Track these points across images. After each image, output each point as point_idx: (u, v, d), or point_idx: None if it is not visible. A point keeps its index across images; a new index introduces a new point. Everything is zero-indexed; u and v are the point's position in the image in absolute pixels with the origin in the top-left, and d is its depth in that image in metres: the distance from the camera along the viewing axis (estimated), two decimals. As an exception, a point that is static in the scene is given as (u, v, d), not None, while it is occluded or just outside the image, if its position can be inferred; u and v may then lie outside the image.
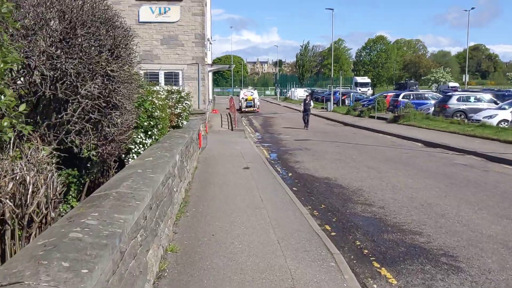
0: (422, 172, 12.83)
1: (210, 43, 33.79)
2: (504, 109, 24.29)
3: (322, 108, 43.84)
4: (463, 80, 61.36)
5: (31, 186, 3.66)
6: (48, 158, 4.35)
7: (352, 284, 5.25)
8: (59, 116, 4.80)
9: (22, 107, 3.98)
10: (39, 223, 3.78)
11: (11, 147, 4.10)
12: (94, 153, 5.28)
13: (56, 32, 4.41)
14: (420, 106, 32.20)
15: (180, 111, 12.52)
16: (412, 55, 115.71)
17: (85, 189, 5.70)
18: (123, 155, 7.59)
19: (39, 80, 4.48)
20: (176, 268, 5.46)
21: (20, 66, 4.45)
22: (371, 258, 6.37)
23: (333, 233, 7.49)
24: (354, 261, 6.29)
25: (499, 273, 5.80)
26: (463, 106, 28.35)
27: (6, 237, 3.54)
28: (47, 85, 4.52)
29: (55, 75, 4.55)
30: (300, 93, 69.03)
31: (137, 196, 4.12)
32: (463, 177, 12.11)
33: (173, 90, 13.16)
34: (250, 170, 12.75)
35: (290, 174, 12.96)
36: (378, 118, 31.79)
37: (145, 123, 7.65)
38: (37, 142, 4.53)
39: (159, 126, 8.37)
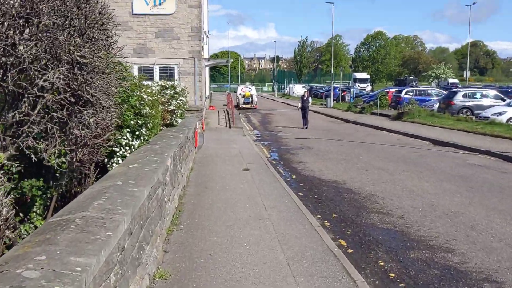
0: (437, 174, 11.81)
1: (207, 37, 32.68)
2: (513, 106, 23.27)
3: (322, 104, 42.79)
4: (464, 76, 60.44)
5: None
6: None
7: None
8: (16, 114, 3.75)
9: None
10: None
11: None
12: (64, 160, 4.24)
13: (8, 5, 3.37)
14: (424, 102, 31.18)
15: (174, 108, 11.45)
16: (411, 51, 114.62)
17: (52, 204, 4.66)
18: (106, 159, 6.53)
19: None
20: (166, 302, 4.42)
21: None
22: (400, 285, 5.33)
23: (350, 250, 6.45)
24: (380, 288, 5.26)
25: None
26: (469, 102, 27.34)
27: None
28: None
29: (8, 62, 3.50)
30: (299, 89, 67.96)
31: (109, 224, 3.07)
32: (482, 180, 11.09)
33: (167, 85, 12.09)
34: (251, 172, 11.71)
35: (294, 177, 11.91)
36: (381, 114, 30.77)
37: (132, 122, 6.59)
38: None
39: (148, 125, 7.31)
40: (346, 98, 44.96)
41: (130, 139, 6.74)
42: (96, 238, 2.77)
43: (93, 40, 4.11)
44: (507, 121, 21.96)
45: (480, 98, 27.65)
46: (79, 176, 5.24)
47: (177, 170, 8.04)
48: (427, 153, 15.74)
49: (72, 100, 3.87)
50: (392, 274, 5.61)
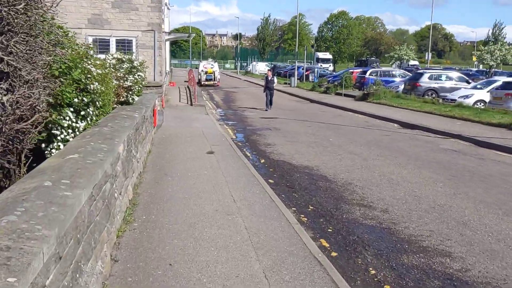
0: (413, 160, 11.13)
1: (168, 9, 31.01)
2: (480, 89, 23.04)
3: (285, 83, 41.86)
4: (425, 58, 60.82)
5: None
6: None
7: None
8: None
9: None
10: None
11: None
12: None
13: None
14: (388, 84, 30.77)
15: (131, 84, 10.17)
16: (373, 33, 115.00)
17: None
18: (44, 144, 5.35)
19: None
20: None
21: None
22: (400, 302, 4.50)
23: (334, 254, 5.56)
24: (374, 304, 4.41)
25: None
26: (434, 84, 27.10)
27: None
28: None
29: None
30: (262, 67, 66.92)
31: (16, 261, 2.01)
32: (461, 167, 10.49)
33: (123, 58, 10.77)
34: (216, 156, 10.68)
35: (262, 161, 10.96)
36: (346, 95, 30.20)
37: (75, 100, 5.41)
38: None
39: (97, 103, 6.14)
40: (310, 77, 44.23)
41: (74, 120, 5.55)
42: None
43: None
44: (474, 104, 21.72)
45: (445, 80, 27.43)
46: (3, 169, 4.07)
47: (131, 156, 6.92)
48: (398, 136, 15.12)
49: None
50: (388, 286, 4.76)
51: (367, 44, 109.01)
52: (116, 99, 9.53)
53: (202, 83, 38.46)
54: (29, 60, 3.26)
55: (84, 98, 5.63)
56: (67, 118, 5.50)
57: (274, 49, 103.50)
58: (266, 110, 21.80)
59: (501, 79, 24.06)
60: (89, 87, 5.73)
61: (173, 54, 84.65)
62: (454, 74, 29.26)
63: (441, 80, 27.52)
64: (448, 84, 26.78)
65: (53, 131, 5.39)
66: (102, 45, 20.28)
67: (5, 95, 3.01)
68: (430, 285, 4.77)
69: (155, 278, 4.34)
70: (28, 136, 3.91)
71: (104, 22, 20.75)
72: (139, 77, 10.62)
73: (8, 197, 2.87)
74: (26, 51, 3.18)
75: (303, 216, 6.93)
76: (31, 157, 4.81)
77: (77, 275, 3.10)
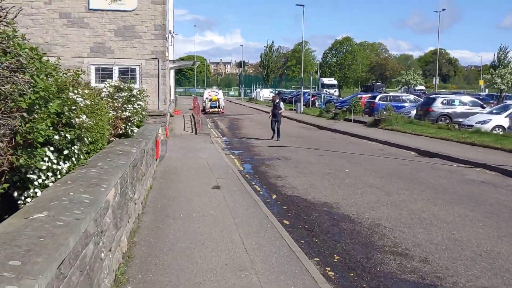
0: (441, 194, 10.08)
1: (172, 37, 30.41)
2: (498, 113, 22.05)
3: (291, 109, 41.04)
4: (432, 83, 60.11)
5: None
6: None
7: None
8: None
9: None
10: None
11: None
12: None
13: None
14: (399, 109, 29.88)
15: (129, 114, 9.26)
16: (378, 58, 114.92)
17: None
18: (16, 193, 4.37)
19: None
20: None
21: None
22: None
23: (374, 323, 4.50)
24: None
25: None
26: (448, 109, 26.17)
27: None
28: None
29: None
30: (266, 93, 66.36)
31: None
32: (495, 202, 9.42)
33: (121, 86, 9.89)
34: (222, 191, 9.67)
35: (274, 197, 9.92)
36: (355, 121, 29.29)
37: (56, 137, 4.46)
38: None
39: (85, 139, 5.19)
40: (317, 103, 43.47)
41: (55, 161, 4.59)
42: None
43: None
44: (492, 129, 20.71)
45: (458, 105, 26.51)
46: None
47: (127, 199, 5.91)
48: (418, 165, 14.07)
49: None
50: None
51: (372, 69, 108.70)
52: (113, 132, 8.60)
53: (207, 110, 37.73)
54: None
55: (67, 135, 4.67)
56: (46, 159, 4.53)
57: (278, 76, 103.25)
58: (274, 139, 20.11)
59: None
60: (73, 121, 4.77)
61: (178, 83, 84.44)
62: (467, 99, 28.37)
63: (454, 105, 26.60)
64: (461, 109, 25.87)
65: (28, 175, 4.42)
66: (105, 73, 19.54)
67: None
68: None
69: None
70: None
71: (107, 51, 20.09)
72: (139, 106, 9.71)
73: None
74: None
75: (329, 269, 5.85)
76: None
77: None
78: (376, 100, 32.24)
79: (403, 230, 7.38)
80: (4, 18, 2.97)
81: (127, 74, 19.86)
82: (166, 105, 21.18)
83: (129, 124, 9.23)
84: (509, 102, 30.18)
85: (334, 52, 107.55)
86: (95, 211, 3.60)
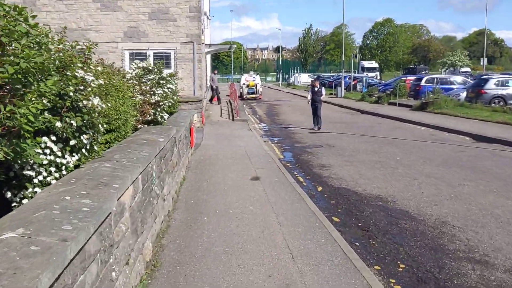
0: (511, 185, 8.80)
1: (208, 19, 29.52)
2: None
3: (331, 94, 39.58)
4: (480, 64, 57.05)
5: None
6: None
7: None
8: None
9: None
10: None
11: None
12: None
13: None
14: (447, 92, 28.00)
15: (159, 98, 8.41)
16: (421, 40, 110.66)
17: None
18: (10, 193, 3.54)
19: None
20: None
21: None
22: None
23: None
24: None
25: None
26: (501, 91, 24.21)
27: None
28: None
29: None
30: (304, 78, 64.89)
31: None
32: None
33: (150, 68, 9.05)
34: (262, 183, 8.73)
35: (320, 189, 8.89)
36: (400, 104, 27.67)
37: (58, 124, 3.60)
38: None
39: (100, 126, 4.33)
40: (358, 87, 41.79)
41: (59, 153, 3.74)
42: None
43: None
44: (555, 112, 18.88)
45: (513, 86, 24.51)
46: None
47: (152, 197, 5.04)
48: (476, 152, 12.69)
49: None
50: None
51: (415, 51, 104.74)
52: (141, 118, 7.77)
53: (244, 96, 36.84)
54: None
55: (72, 121, 3.79)
56: (47, 151, 3.68)
57: (316, 60, 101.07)
58: (314, 129, 18.23)
59: None
60: (80, 104, 3.89)
61: (215, 69, 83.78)
62: (524, 79, 26.24)
63: (508, 86, 24.60)
64: (517, 91, 23.90)
65: (24, 172, 3.58)
66: (139, 58, 18.77)
67: None
68: None
69: None
70: None
71: (140, 35, 19.35)
72: (169, 90, 8.84)
73: None
74: None
75: (394, 281, 4.81)
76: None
77: None
78: (422, 83, 30.40)
79: (476, 231, 6.23)
80: None
81: (161, 58, 19.05)
82: (202, 91, 20.35)
83: (159, 109, 8.39)
84: None
85: (375, 34, 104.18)
86: (97, 223, 2.70)
